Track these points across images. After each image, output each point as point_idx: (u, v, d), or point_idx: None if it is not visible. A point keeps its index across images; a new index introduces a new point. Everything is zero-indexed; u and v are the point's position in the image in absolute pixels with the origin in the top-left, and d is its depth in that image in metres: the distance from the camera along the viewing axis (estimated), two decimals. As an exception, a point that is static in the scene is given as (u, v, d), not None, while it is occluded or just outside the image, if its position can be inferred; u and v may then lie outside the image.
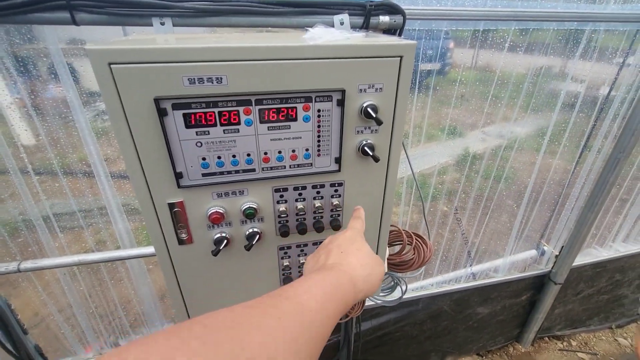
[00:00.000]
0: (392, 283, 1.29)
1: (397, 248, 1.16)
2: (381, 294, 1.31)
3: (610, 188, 1.53)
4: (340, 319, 1.43)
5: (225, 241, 0.71)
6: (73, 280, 1.20)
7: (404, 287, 1.25)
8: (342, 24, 0.84)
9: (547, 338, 2.20)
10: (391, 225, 1.18)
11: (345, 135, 0.67)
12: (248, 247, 0.71)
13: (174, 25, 0.76)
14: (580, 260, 1.92)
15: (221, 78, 0.56)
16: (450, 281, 1.77)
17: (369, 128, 0.68)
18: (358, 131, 0.68)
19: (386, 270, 1.08)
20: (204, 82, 0.56)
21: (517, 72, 1.27)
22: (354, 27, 0.86)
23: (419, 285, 1.75)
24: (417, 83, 1.20)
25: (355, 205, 0.77)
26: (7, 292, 1.10)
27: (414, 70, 1.16)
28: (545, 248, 1.85)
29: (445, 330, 1.91)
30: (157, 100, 0.55)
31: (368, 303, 1.61)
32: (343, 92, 0.62)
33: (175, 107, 0.57)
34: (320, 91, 0.62)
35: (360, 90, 0.64)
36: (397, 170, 0.75)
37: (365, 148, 0.68)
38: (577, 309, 2.17)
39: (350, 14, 0.84)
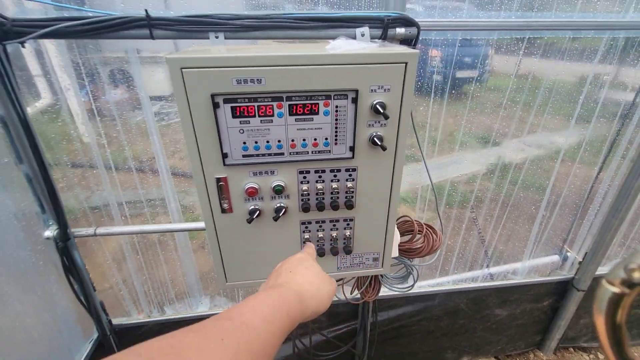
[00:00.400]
0: (405, 272, 1.39)
1: (409, 238, 1.26)
2: (395, 283, 1.41)
3: (635, 194, 1.52)
4: (357, 302, 1.54)
5: (258, 212, 0.88)
6: (133, 250, 1.44)
7: (415, 275, 1.34)
8: (363, 35, 0.98)
9: (572, 349, 2.15)
10: (404, 216, 1.30)
11: (358, 127, 0.81)
12: (276, 218, 0.87)
13: (225, 38, 0.95)
14: (607, 269, 1.88)
15: (261, 79, 0.73)
16: (467, 280, 1.82)
17: (379, 122, 0.82)
18: (369, 124, 0.82)
19: (397, 255, 1.19)
20: (247, 83, 0.73)
21: (552, 79, 1.32)
22: (373, 37, 1.00)
23: (435, 282, 1.82)
24: (449, 89, 1.29)
25: (367, 189, 0.90)
26: (83, 254, 1.35)
27: (447, 77, 1.26)
28: (569, 254, 1.84)
29: (462, 328, 1.95)
30: (213, 96, 0.73)
31: (384, 292, 1.71)
32: (357, 91, 0.76)
33: (226, 101, 0.75)
34: (338, 91, 0.77)
35: (372, 90, 0.77)
36: (404, 159, 0.88)
37: (375, 139, 0.82)
38: (607, 321, 2.10)
39: (370, 27, 0.98)
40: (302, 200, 0.90)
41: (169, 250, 1.48)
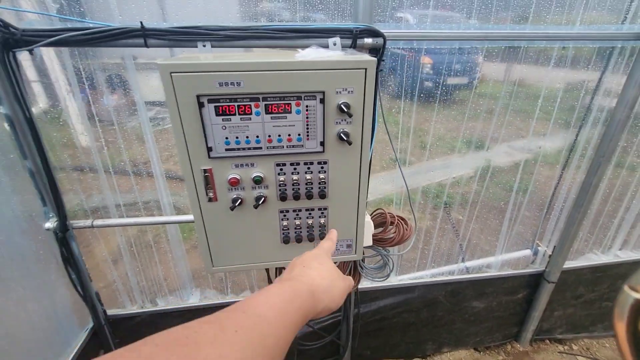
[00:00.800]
0: (382, 263, 1.50)
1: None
2: (373, 272, 1.52)
3: (594, 190, 1.65)
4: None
5: (240, 200, 0.98)
6: (128, 245, 1.53)
7: (391, 265, 1.45)
8: (335, 44, 1.11)
9: (547, 340, 2.25)
10: (379, 209, 1.41)
11: (326, 124, 0.93)
12: (256, 206, 0.98)
13: (212, 47, 1.07)
14: (578, 263, 2.01)
15: (240, 82, 0.85)
16: (444, 273, 1.93)
17: (345, 120, 0.93)
18: (336, 122, 0.93)
19: (371, 243, 1.30)
20: (228, 85, 0.85)
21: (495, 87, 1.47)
22: (344, 47, 1.12)
23: (415, 276, 1.93)
24: (439, 96, 1.41)
25: (338, 180, 1.02)
26: (82, 249, 1.44)
27: (440, 84, 1.38)
28: (539, 248, 1.96)
29: (442, 320, 2.05)
30: (198, 97, 0.84)
31: (366, 285, 1.82)
32: (323, 93, 0.88)
33: (210, 101, 0.86)
34: (307, 92, 0.88)
35: (337, 92, 0.89)
36: (369, 153, 0.99)
37: (341, 135, 0.93)
38: (579, 313, 2.22)
39: (341, 37, 1.11)
40: (279, 190, 1.01)
41: (161, 245, 1.58)
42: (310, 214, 1.08)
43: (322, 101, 0.90)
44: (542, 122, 1.57)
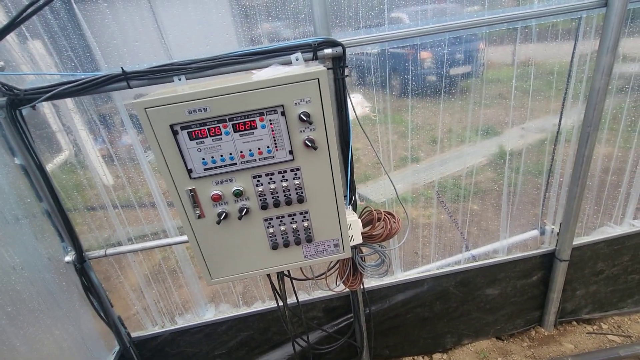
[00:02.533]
0: (380, 260, 1.54)
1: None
2: (372, 270, 1.55)
3: (588, 162, 1.62)
4: (341, 292, 1.67)
5: (225, 214, 1.07)
6: (142, 269, 1.66)
7: (387, 260, 1.49)
8: (297, 60, 1.20)
9: (574, 322, 2.17)
10: (366, 207, 1.46)
11: (292, 134, 1.01)
12: (240, 217, 1.07)
13: (187, 79, 1.19)
14: (593, 237, 1.95)
15: (205, 108, 0.94)
16: (450, 264, 1.92)
17: (307, 128, 1.01)
18: (300, 130, 1.01)
19: (360, 241, 1.35)
20: (196, 112, 0.94)
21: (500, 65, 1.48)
22: (307, 60, 1.21)
23: (420, 270, 1.93)
24: (443, 88, 1.44)
25: (313, 183, 1.08)
26: (102, 279, 1.57)
27: (442, 75, 1.41)
28: (546, 227, 1.92)
29: (457, 312, 2.03)
30: (171, 126, 0.95)
31: (372, 284, 1.85)
32: (283, 106, 0.96)
33: (182, 128, 0.96)
34: (268, 108, 0.97)
35: (295, 103, 0.97)
36: (337, 155, 1.06)
37: (307, 141, 1.00)
38: (604, 290, 2.13)
39: (302, 52, 1.19)
40: (260, 200, 1.09)
41: (172, 267, 1.69)
42: (293, 218, 1.15)
43: (283, 114, 0.98)
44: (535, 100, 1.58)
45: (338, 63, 1.25)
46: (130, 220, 1.55)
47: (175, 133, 0.96)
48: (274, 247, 1.17)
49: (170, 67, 1.15)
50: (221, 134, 0.98)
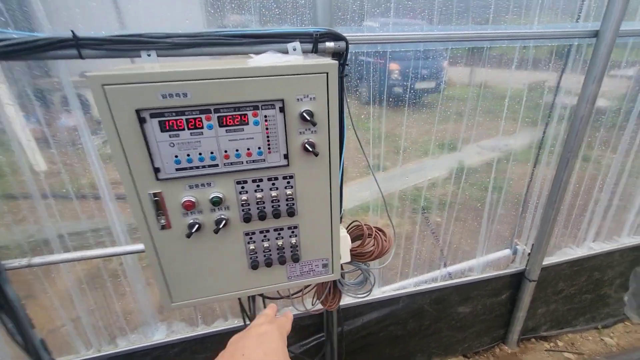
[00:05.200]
0: (362, 278, 1.41)
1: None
2: (353, 289, 1.43)
3: (565, 186, 1.66)
4: (318, 312, 1.53)
5: (197, 225, 0.87)
6: (76, 281, 1.36)
7: (372, 279, 1.37)
8: (294, 50, 1.04)
9: (533, 339, 2.24)
10: (355, 221, 1.33)
11: (289, 135, 0.84)
12: (216, 230, 0.87)
13: (158, 56, 0.97)
14: (556, 258, 2.01)
15: (186, 93, 0.75)
16: (427, 280, 1.87)
17: (309, 129, 0.85)
18: (300, 132, 0.85)
19: (349, 260, 1.21)
20: (173, 97, 0.74)
21: (463, 88, 1.45)
22: (305, 52, 1.05)
23: (398, 286, 1.86)
24: (408, 100, 1.36)
25: (306, 194, 0.93)
26: (19, 289, 1.25)
27: (409, 88, 1.33)
28: (518, 247, 1.95)
29: (429, 329, 1.98)
30: (138, 111, 0.74)
31: (348, 301, 1.72)
32: (282, 101, 0.80)
33: (152, 115, 0.75)
34: (265, 101, 0.80)
35: (298, 99, 0.81)
36: (339, 163, 0.92)
37: (307, 145, 0.85)
38: (562, 309, 2.22)
39: (301, 42, 1.04)
40: (242, 210, 0.91)
41: (118, 279, 1.41)
42: (279, 234, 0.98)
43: (282, 110, 0.81)
44: (509, 122, 1.57)
45: (338, 60, 1.11)
46: (65, 214, 1.25)
47: (142, 121, 0.75)
48: (254, 266, 0.98)
49: (139, 39, 0.92)
50: (202, 127, 0.79)
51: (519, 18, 1.31)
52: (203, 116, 0.78)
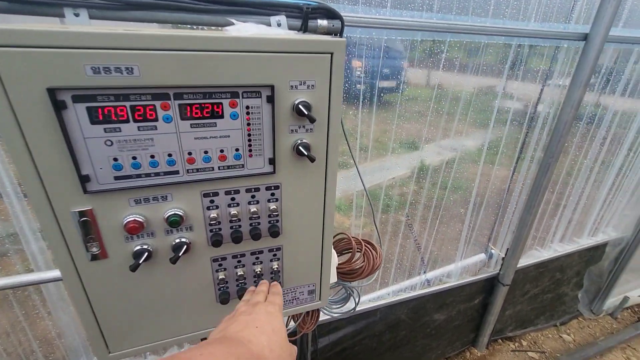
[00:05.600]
0: (345, 294, 1.25)
1: (347, 257, 1.13)
2: (334, 307, 1.26)
3: (544, 192, 1.64)
4: (294, 336, 1.35)
5: (147, 253, 0.63)
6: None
7: (357, 299, 1.21)
8: (279, 25, 0.82)
9: (500, 340, 2.27)
10: (341, 233, 1.16)
11: (278, 134, 0.64)
12: (173, 260, 0.64)
13: (90, 17, 0.69)
14: (525, 261, 2.03)
15: (132, 68, 0.51)
16: (406, 289, 1.77)
17: (304, 127, 0.65)
18: (292, 130, 0.65)
19: (335, 280, 1.04)
20: (111, 72, 0.50)
21: (460, 89, 1.34)
22: (292, 29, 0.84)
23: (376, 296, 1.73)
24: (377, 99, 1.21)
25: (295, 210, 0.73)
26: None
27: (374, 86, 1.18)
28: (493, 251, 1.93)
29: (404, 339, 1.89)
30: (52, 91, 0.48)
31: (323, 317, 1.55)
32: (272, 88, 0.59)
33: (77, 99, 0.50)
34: (247, 86, 0.58)
35: (292, 86, 0.61)
36: (337, 171, 0.73)
37: (300, 148, 0.65)
38: (526, 309, 2.27)
39: (287, 16, 0.82)
40: (211, 231, 0.69)
41: (35, 310, 1.09)
42: (257, 258, 0.77)
43: (271, 100, 0.60)
44: (497, 126, 1.50)
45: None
46: None
47: (59, 106, 0.50)
48: (224, 299, 0.77)
49: (61, -10, 0.65)
50: (156, 120, 0.55)
51: (517, 13, 1.22)
52: (157, 103, 0.54)
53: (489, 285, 1.98)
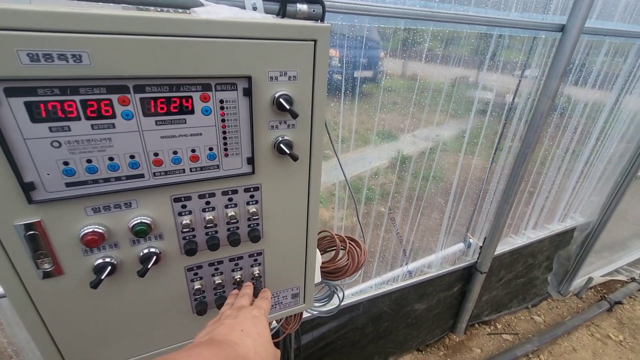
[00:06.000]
0: (329, 292, 1.22)
1: (331, 255, 1.10)
2: (318, 305, 1.23)
3: (520, 181, 1.68)
4: (276, 337, 1.31)
5: (110, 268, 0.56)
6: None
7: (341, 295, 1.19)
8: (254, 8, 0.75)
9: (477, 325, 2.35)
10: (324, 231, 1.12)
11: (257, 131, 0.58)
12: (141, 273, 0.57)
13: (31, -5, 0.59)
14: (501, 249, 2.09)
15: (80, 55, 0.43)
16: (388, 281, 1.77)
17: (285, 122, 0.60)
18: (272, 126, 0.59)
19: (319, 280, 1.00)
20: (53, 60, 0.42)
21: (439, 81, 1.32)
22: (269, 13, 0.77)
23: (359, 289, 1.72)
24: (357, 89, 1.16)
25: (276, 212, 0.68)
26: None
27: (353, 77, 1.13)
28: (471, 240, 1.97)
29: (387, 331, 1.91)
30: (-23, 83, 0.40)
31: (306, 315, 1.52)
32: (249, 79, 0.53)
33: (11, 92, 0.42)
34: (221, 77, 0.51)
35: (271, 78, 0.55)
36: (321, 170, 0.68)
37: (282, 145, 0.59)
38: (501, 294, 2.36)
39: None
40: (184, 239, 0.62)
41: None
42: (237, 264, 0.71)
43: (248, 93, 0.54)
44: (478, 117, 1.50)
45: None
46: None
47: (-12, 101, 0.41)
48: (201, 310, 0.71)
49: (-12, -41, 0.54)
50: (114, 117, 0.48)
51: (499, 2, 1.20)
52: (114, 97, 0.47)
53: (467, 273, 2.03)
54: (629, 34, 1.62)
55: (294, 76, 0.56)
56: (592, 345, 2.27)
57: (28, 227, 0.50)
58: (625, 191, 2.24)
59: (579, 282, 2.67)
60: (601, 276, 2.74)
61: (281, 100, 0.55)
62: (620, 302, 2.60)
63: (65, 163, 0.48)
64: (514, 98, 1.57)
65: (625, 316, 2.53)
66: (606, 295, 2.65)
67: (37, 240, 0.51)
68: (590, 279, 2.66)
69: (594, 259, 2.65)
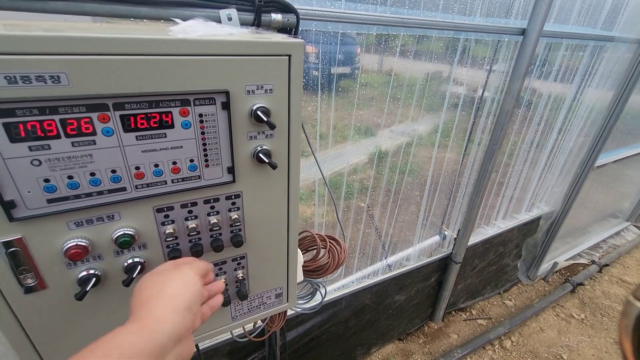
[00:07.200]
0: (312, 289, 1.26)
1: (312, 254, 1.13)
2: (301, 302, 1.27)
3: (489, 175, 1.78)
4: (262, 336, 1.34)
5: (94, 279, 0.57)
6: None
7: (323, 291, 1.23)
8: (230, 19, 0.76)
9: (453, 312, 2.47)
10: (305, 231, 1.16)
11: (236, 142, 0.60)
12: (126, 282, 0.59)
13: (2, 9, 0.59)
14: (474, 239, 2.20)
15: (58, 77, 0.44)
16: (369, 275, 1.83)
17: (263, 133, 0.62)
18: (251, 137, 0.61)
19: (302, 279, 1.04)
20: (31, 82, 0.43)
21: (413, 76, 1.37)
22: (244, 24, 0.79)
23: (341, 284, 1.77)
24: (335, 85, 1.19)
25: (258, 217, 0.71)
26: None
27: (329, 73, 1.16)
28: (446, 232, 2.06)
29: (369, 323, 1.98)
30: (-46, 107, 0.40)
31: (290, 313, 1.56)
32: (227, 93, 0.55)
33: (-11, 114, 0.42)
34: (199, 93, 0.53)
35: (248, 91, 0.57)
36: (299, 176, 0.71)
37: (260, 155, 0.62)
38: (475, 281, 2.49)
39: (238, 10, 0.77)
40: (168, 247, 0.64)
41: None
42: (221, 269, 0.74)
43: (227, 107, 0.56)
44: (448, 113, 1.58)
45: (285, 38, 0.87)
46: None
47: (-34, 124, 0.41)
48: (187, 315, 0.72)
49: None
50: (94, 134, 0.49)
51: (465, 8, 1.27)
52: (94, 115, 0.48)
53: (444, 264, 2.13)
54: (582, 36, 1.74)
55: (270, 89, 0.59)
56: (558, 325, 2.45)
57: (9, 244, 0.50)
58: (584, 181, 2.41)
59: (545, 267, 2.86)
60: (565, 260, 2.94)
61: (259, 112, 0.58)
62: (582, 284, 2.80)
63: (46, 180, 0.49)
64: (483, 92, 1.66)
65: (587, 296, 2.73)
66: (569, 278, 2.85)
67: (18, 257, 0.52)
68: (555, 264, 2.85)
69: (558, 245, 2.84)
